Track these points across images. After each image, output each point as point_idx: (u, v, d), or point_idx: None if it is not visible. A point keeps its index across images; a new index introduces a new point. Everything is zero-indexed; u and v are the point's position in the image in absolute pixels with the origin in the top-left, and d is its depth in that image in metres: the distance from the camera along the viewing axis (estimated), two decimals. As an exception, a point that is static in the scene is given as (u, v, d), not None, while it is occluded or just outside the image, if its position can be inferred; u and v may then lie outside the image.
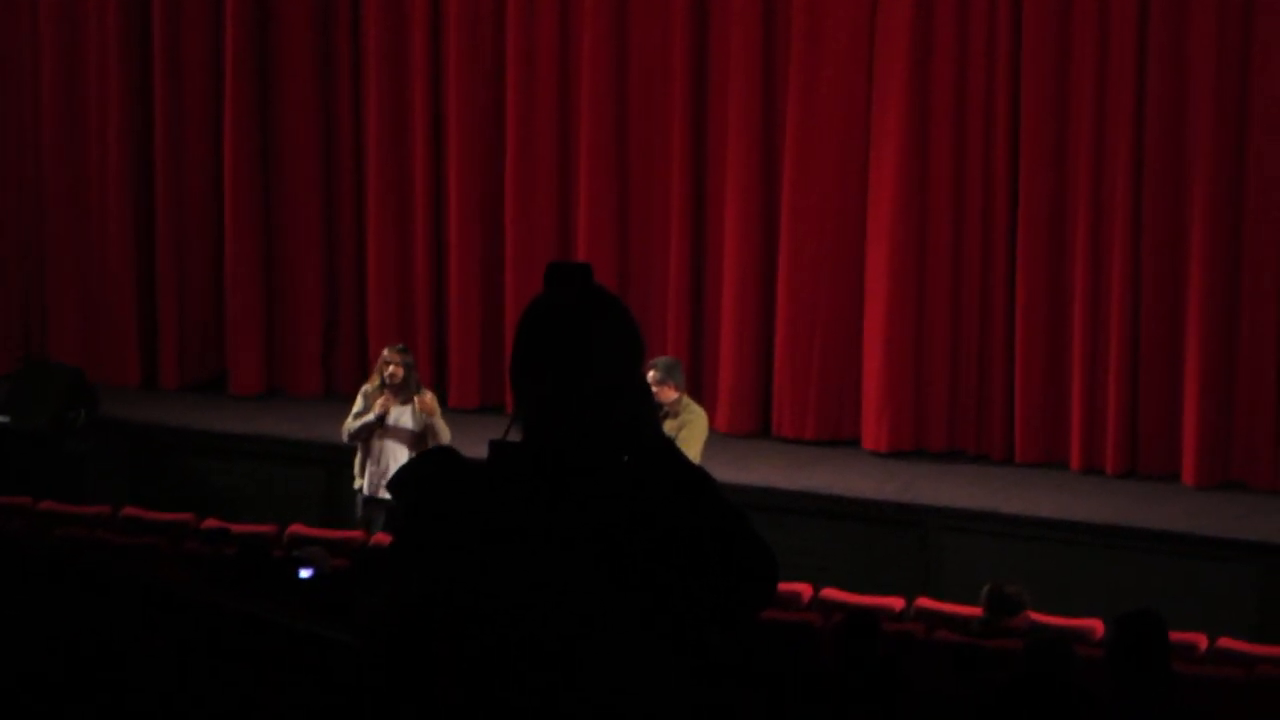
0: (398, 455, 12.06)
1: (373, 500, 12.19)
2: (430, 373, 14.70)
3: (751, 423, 14.12)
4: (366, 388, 12.37)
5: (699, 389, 13.77)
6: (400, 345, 12.63)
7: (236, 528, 11.57)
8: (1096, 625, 10.20)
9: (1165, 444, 13.12)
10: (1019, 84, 13.33)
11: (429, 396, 12.28)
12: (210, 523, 11.81)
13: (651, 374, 11.45)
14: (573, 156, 14.55)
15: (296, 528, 11.95)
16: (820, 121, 13.80)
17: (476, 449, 3.69)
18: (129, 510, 12.33)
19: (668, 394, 11.42)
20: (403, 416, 12.15)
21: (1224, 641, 10.22)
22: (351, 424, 12.28)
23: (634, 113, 14.38)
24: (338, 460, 13.39)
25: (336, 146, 15.29)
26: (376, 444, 12.19)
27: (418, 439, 12.05)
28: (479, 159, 14.74)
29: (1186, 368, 12.96)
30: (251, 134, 15.29)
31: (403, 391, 12.16)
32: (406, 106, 14.90)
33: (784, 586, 11.01)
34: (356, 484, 12.38)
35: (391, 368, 12.16)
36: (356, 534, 11.83)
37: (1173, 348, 13.08)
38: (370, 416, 12.17)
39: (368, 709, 3.62)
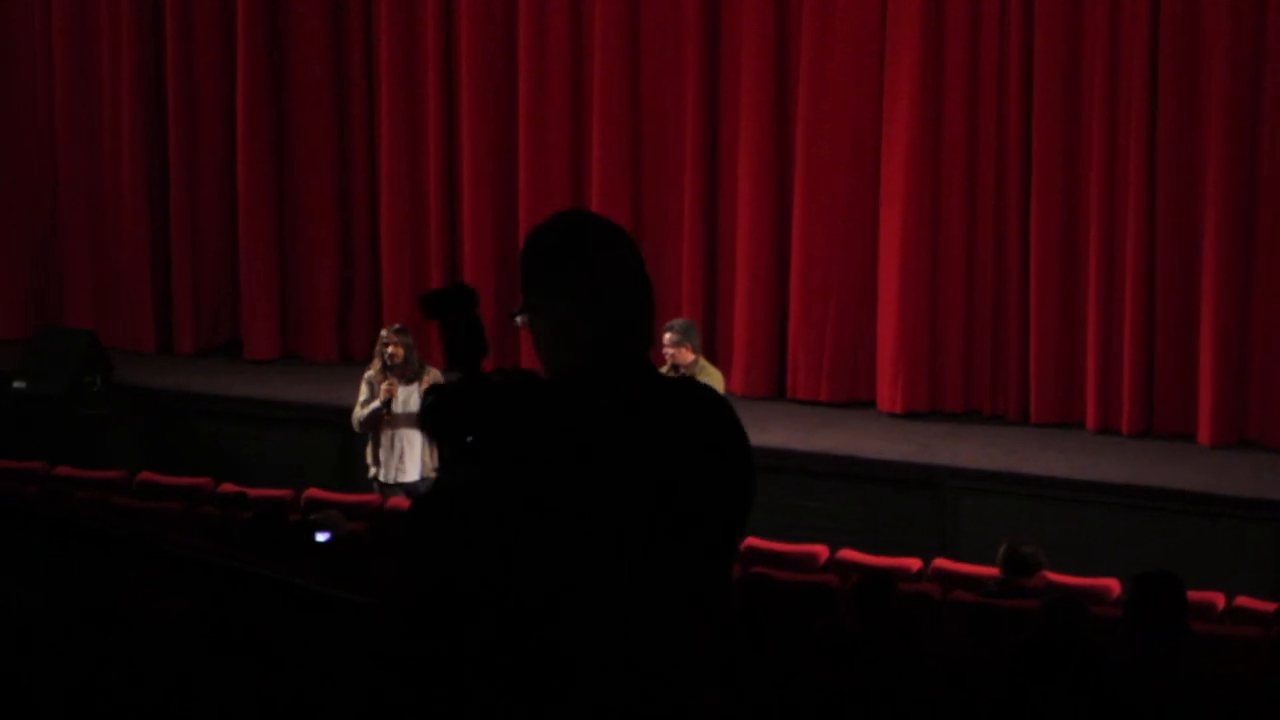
0: (411, 440, 11.79)
1: (389, 486, 11.90)
2: (445, 337, 14.68)
3: (766, 385, 14.12)
4: (369, 374, 12.06)
5: (713, 351, 13.76)
6: (397, 326, 12.23)
7: (253, 492, 11.57)
8: (1113, 585, 10.20)
9: (1181, 403, 13.11)
10: (1032, 43, 13.27)
11: (434, 375, 11.92)
12: (227, 487, 11.82)
13: (668, 335, 11.46)
14: (586, 119, 14.51)
15: (313, 491, 11.96)
16: (834, 83, 13.75)
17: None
18: (145, 475, 12.36)
19: (684, 355, 11.42)
20: (410, 399, 11.80)
21: (1241, 600, 10.21)
22: (360, 413, 12.02)
23: (647, 73, 14.33)
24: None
25: (349, 111, 15.27)
26: (388, 431, 11.89)
27: None
28: (492, 124, 14.70)
29: (1202, 327, 12.94)
30: (266, 98, 15.28)
31: (405, 372, 11.87)
32: (419, 70, 14.87)
33: (801, 548, 11.02)
34: (371, 473, 12.08)
35: (391, 349, 11.87)
36: (373, 497, 11.82)
37: (1188, 306, 13.05)
38: (377, 403, 11.90)
39: (387, 671, 3.61)
